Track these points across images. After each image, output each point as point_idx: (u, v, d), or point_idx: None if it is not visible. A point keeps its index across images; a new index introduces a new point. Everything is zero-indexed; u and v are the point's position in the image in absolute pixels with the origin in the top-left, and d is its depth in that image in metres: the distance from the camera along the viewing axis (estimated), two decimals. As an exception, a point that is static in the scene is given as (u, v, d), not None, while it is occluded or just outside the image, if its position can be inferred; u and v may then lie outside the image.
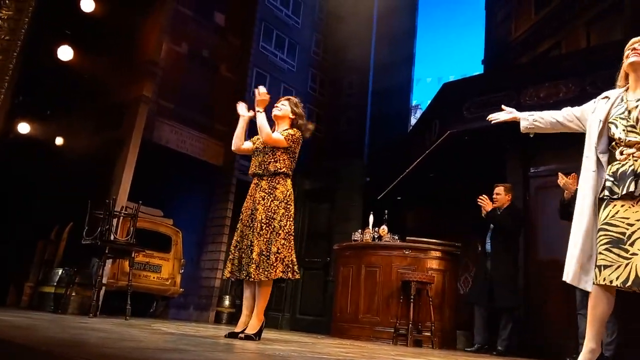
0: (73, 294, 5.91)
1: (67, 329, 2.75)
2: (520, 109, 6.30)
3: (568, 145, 5.96)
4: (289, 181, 3.78)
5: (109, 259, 6.01)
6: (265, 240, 3.47)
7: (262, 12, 16.87)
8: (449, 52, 16.07)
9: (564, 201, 4.75)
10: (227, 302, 9.53)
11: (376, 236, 6.41)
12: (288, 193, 3.68)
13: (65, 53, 7.33)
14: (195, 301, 9.57)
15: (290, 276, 3.46)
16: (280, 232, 3.51)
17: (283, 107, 3.97)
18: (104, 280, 5.86)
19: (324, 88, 20.25)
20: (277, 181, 3.69)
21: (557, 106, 5.91)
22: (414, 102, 21.07)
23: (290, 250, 3.54)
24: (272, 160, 3.74)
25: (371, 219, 6.61)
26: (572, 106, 5.65)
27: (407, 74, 20.89)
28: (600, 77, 5.44)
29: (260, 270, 3.37)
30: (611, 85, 5.38)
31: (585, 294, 4.88)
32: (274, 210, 3.57)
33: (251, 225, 3.59)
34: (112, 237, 5.64)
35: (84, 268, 6.29)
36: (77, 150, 7.70)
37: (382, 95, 19.81)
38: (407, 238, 6.34)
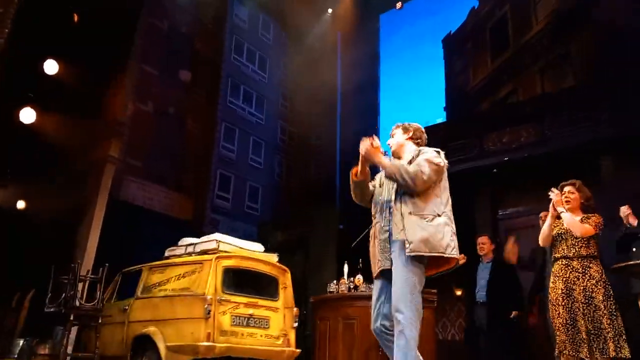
0: (35, 366, 5.57)
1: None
2: (483, 154, 6.52)
3: (533, 187, 6.16)
4: None
5: (74, 326, 5.72)
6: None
7: (228, 69, 17.15)
8: (411, 100, 16.57)
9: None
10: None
11: (352, 286, 6.30)
12: None
13: (28, 115, 7.23)
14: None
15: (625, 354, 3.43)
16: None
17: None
18: (69, 348, 5.57)
19: (292, 139, 20.47)
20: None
21: (521, 151, 6.17)
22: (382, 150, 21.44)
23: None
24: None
25: (346, 268, 6.52)
26: (532, 150, 5.88)
27: (373, 123, 21.40)
28: (558, 121, 5.67)
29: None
30: (568, 128, 5.61)
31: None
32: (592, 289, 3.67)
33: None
34: (77, 303, 5.38)
35: (47, 338, 5.97)
36: (40, 213, 7.48)
37: (350, 143, 20.15)
38: (383, 287, 6.26)
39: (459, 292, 6.43)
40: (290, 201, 17.77)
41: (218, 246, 5.39)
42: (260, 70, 19.18)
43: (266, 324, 5.31)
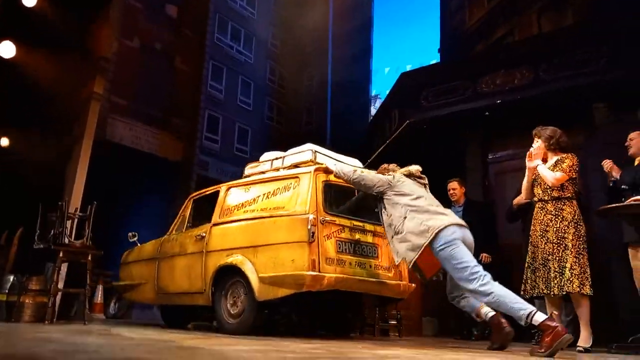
0: (27, 300, 5.63)
1: (20, 342, 2.59)
2: (477, 96, 6.43)
3: (524, 130, 6.13)
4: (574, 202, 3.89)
5: (64, 262, 5.75)
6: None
7: (216, 4, 16.54)
8: (405, 42, 16.23)
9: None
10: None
11: (341, 228, 6.36)
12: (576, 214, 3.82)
13: (7, 50, 6.95)
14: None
15: (586, 291, 3.60)
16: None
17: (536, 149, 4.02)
18: (60, 284, 5.63)
19: (283, 80, 20.10)
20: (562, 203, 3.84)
21: (514, 93, 6.09)
22: (373, 93, 21.26)
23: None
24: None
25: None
26: (525, 93, 5.79)
27: (366, 65, 21.04)
28: (553, 64, 5.56)
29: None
30: (563, 71, 5.51)
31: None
32: (564, 230, 3.76)
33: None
34: (66, 240, 5.39)
35: (38, 274, 6.00)
36: (26, 151, 7.35)
37: (342, 87, 19.91)
38: (371, 228, 6.32)
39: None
40: (280, 145, 17.75)
41: (315, 157, 4.47)
42: (249, 6, 18.51)
43: (375, 253, 4.38)
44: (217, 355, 2.23)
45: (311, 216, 3.89)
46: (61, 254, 5.22)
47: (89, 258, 5.49)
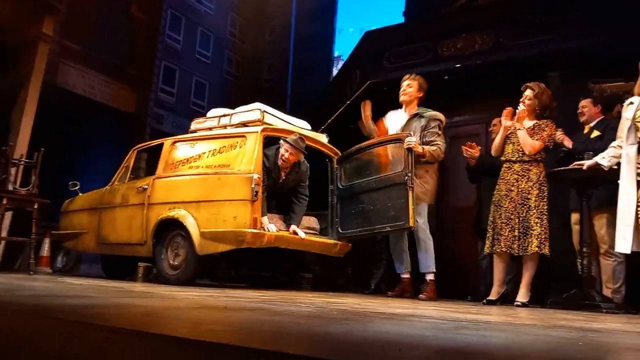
0: (-33, 249, 5.44)
1: (-43, 283, 2.52)
2: (438, 60, 6.46)
3: (480, 97, 6.24)
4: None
5: (8, 210, 5.54)
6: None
7: (177, -51, 15.78)
8: (370, 3, 16.03)
9: (471, 168, 5.00)
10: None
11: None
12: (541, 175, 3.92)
13: (-55, -20, 6.46)
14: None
15: (546, 252, 3.75)
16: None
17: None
18: (4, 233, 5.44)
19: (244, 34, 19.53)
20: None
21: (474, 58, 6.15)
22: (336, 53, 21.05)
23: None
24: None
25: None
26: (486, 58, 5.87)
27: (330, 23, 20.74)
28: (513, 29, 5.63)
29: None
30: (522, 37, 5.61)
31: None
32: (528, 190, 3.87)
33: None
34: (10, 187, 5.18)
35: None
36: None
37: (304, 45, 19.58)
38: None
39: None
40: (239, 101, 17.40)
41: (263, 117, 4.56)
42: (211, -46, 17.74)
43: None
44: (168, 297, 2.24)
45: (255, 175, 3.99)
46: (5, 201, 5.03)
47: (35, 207, 5.31)
